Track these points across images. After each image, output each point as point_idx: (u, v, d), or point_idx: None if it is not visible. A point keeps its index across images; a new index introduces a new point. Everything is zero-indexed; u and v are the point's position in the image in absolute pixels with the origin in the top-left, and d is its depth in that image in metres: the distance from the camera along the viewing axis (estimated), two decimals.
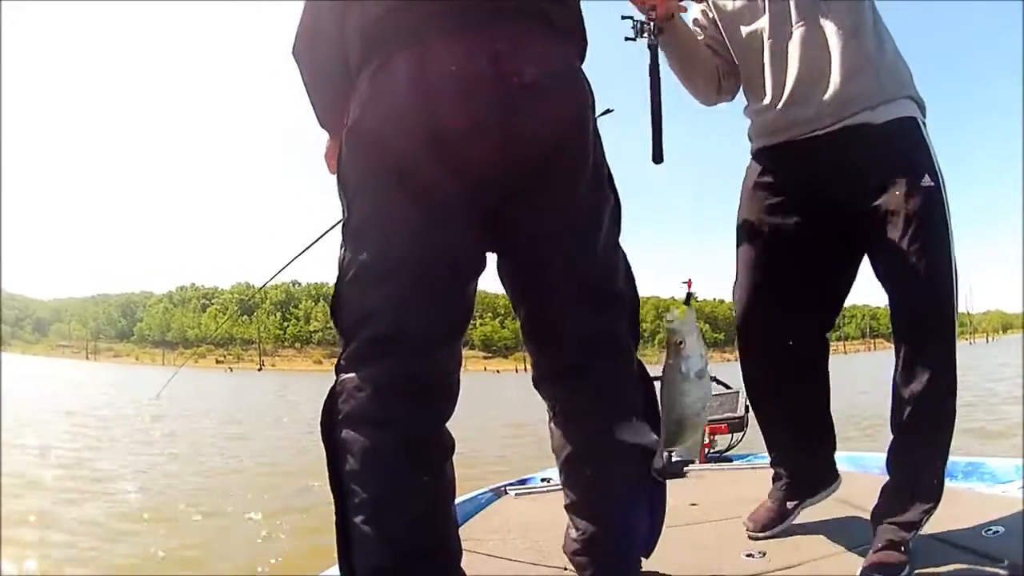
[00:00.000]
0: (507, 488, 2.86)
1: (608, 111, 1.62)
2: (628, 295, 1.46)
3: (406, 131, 1.26)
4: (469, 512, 2.42)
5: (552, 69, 1.29)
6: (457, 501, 2.36)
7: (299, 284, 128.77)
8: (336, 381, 1.29)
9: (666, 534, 1.75)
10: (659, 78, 1.69)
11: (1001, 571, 1.47)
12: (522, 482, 3.15)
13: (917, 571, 1.52)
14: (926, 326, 1.59)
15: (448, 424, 1.32)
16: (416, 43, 1.27)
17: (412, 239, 1.26)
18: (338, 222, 1.78)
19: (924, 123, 1.70)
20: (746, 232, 1.85)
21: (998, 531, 1.68)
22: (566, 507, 1.50)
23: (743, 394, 3.60)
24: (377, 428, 1.23)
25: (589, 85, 1.37)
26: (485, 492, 2.73)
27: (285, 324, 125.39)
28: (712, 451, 3.63)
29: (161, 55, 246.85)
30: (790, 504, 1.91)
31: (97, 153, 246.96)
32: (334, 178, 1.40)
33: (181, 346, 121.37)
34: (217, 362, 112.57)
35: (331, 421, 1.28)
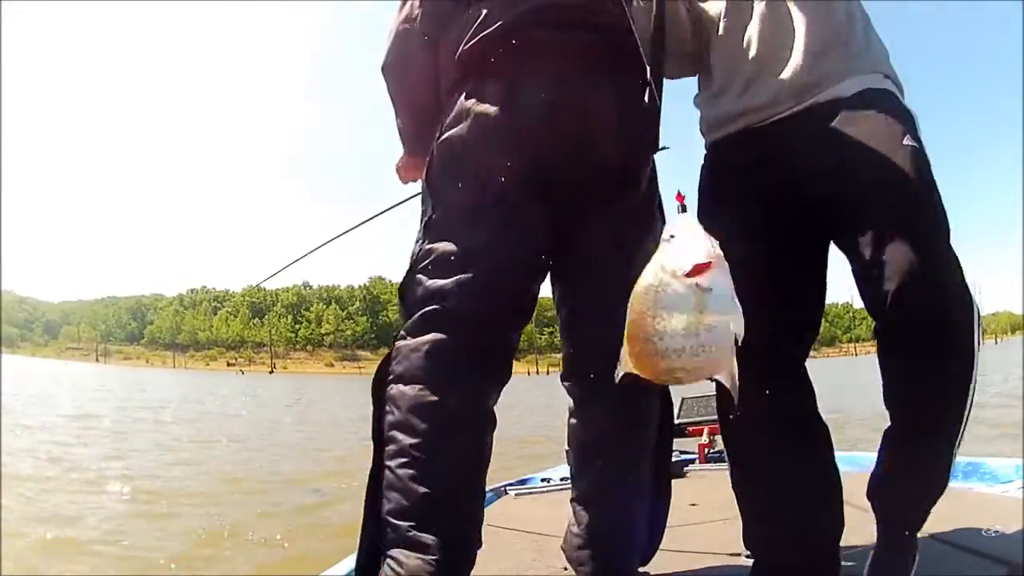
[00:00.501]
0: (507, 488, 2.86)
1: (664, 148, 1.65)
2: None
3: (494, 146, 1.44)
4: None
5: (622, 101, 1.43)
6: None
7: (310, 286, 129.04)
8: (392, 348, 1.45)
9: (666, 534, 1.76)
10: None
11: (1001, 571, 1.46)
12: (522, 482, 3.15)
13: (917, 571, 1.51)
14: (936, 292, 1.32)
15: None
16: (508, 72, 1.46)
17: (487, 237, 1.42)
18: (353, 227, 2.17)
19: (902, 100, 1.48)
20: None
21: (998, 531, 1.66)
22: (572, 500, 1.59)
23: None
24: (426, 385, 1.36)
25: (651, 120, 1.50)
26: (485, 492, 2.73)
27: (297, 327, 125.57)
28: (712, 451, 3.61)
29: (172, 57, 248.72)
30: None
31: (107, 156, 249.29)
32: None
33: (192, 349, 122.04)
34: (228, 365, 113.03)
35: (382, 379, 1.44)
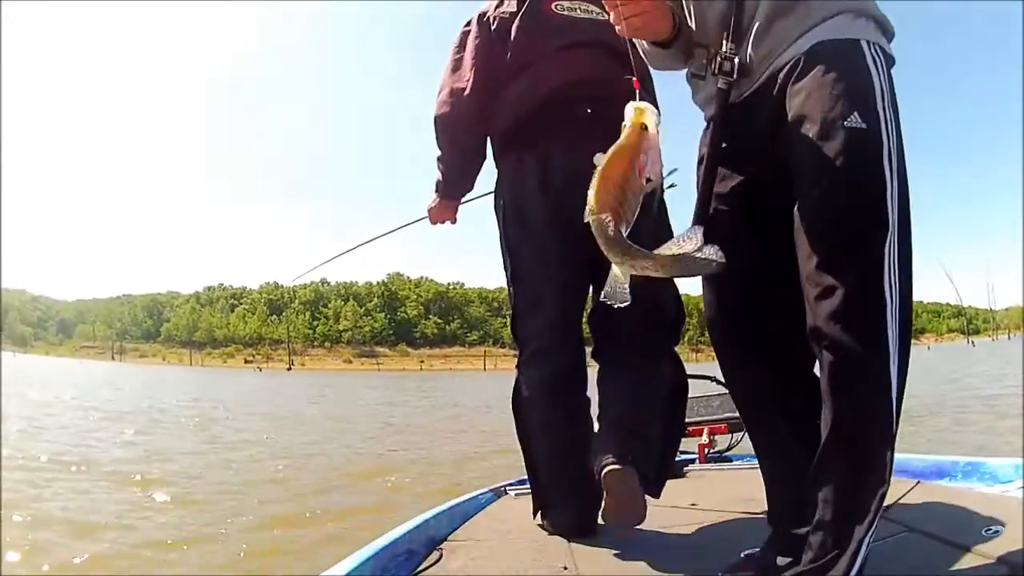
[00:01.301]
0: (507, 488, 2.85)
1: (672, 185, 2.22)
2: (678, 313, 2.08)
3: (544, 216, 2.01)
4: (469, 512, 2.41)
5: None
6: (457, 501, 2.43)
7: (328, 283, 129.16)
8: (518, 375, 2.13)
9: (666, 534, 1.77)
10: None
11: (1001, 571, 1.45)
12: (522, 482, 3.08)
13: (917, 571, 1.50)
14: (847, 320, 1.21)
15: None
16: (542, 148, 2.00)
17: (551, 288, 2.04)
18: (373, 238, 3.11)
19: (876, 46, 1.31)
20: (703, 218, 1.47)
21: (998, 531, 1.65)
22: (598, 432, 1.96)
23: None
24: (541, 410, 2.07)
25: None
26: (485, 492, 2.72)
27: (315, 323, 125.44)
28: (712, 451, 3.59)
29: (179, 57, 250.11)
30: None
31: (120, 154, 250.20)
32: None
33: (209, 346, 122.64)
34: (246, 362, 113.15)
35: (518, 401, 2.12)
